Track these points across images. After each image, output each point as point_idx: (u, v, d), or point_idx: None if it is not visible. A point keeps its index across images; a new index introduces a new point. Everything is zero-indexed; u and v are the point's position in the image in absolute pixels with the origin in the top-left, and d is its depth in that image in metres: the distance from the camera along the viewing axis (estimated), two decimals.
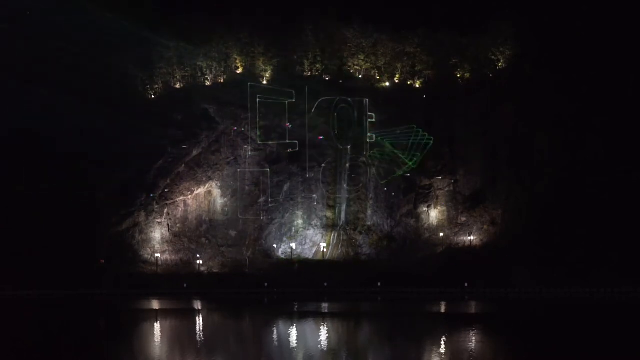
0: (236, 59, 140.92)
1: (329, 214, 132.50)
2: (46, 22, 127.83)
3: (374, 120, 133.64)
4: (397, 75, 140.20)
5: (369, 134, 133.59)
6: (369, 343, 53.01)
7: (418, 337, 55.16)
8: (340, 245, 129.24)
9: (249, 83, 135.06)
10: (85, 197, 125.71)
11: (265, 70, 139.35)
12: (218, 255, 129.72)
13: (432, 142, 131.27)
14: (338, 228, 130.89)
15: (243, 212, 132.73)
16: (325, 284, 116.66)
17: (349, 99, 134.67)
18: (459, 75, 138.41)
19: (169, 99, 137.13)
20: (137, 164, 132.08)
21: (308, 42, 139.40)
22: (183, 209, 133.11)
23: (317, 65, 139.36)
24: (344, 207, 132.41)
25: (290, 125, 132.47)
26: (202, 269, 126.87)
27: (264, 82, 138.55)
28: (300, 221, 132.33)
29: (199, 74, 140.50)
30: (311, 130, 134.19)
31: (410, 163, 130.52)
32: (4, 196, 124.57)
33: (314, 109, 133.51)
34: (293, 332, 58.44)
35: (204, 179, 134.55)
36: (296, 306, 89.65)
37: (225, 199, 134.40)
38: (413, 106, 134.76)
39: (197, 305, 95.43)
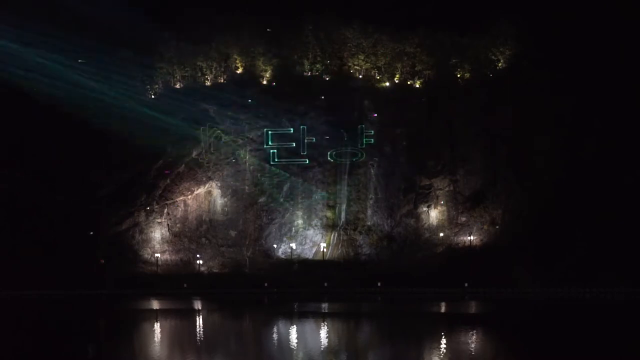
0: (236, 59, 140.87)
1: (329, 214, 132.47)
2: (44, 21, 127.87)
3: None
4: (397, 75, 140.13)
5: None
6: (369, 343, 53.02)
7: (418, 337, 55.16)
8: (340, 245, 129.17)
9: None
10: (85, 197, 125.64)
11: (265, 70, 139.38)
12: (218, 255, 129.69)
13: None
14: (338, 228, 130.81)
15: (243, 212, 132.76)
16: (325, 284, 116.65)
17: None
18: (459, 75, 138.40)
19: (169, 99, 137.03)
20: (137, 164, 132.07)
21: (308, 42, 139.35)
22: (183, 209, 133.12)
23: (317, 65, 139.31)
24: (344, 207, 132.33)
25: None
26: (202, 269, 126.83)
27: (264, 82, 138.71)
28: (300, 221, 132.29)
29: (199, 74, 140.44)
30: (311, 130, 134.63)
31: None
32: (4, 196, 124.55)
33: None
34: (293, 332, 58.43)
35: (204, 179, 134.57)
36: (296, 306, 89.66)
37: (225, 199, 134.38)
38: (413, 106, 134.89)
39: (197, 305, 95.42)
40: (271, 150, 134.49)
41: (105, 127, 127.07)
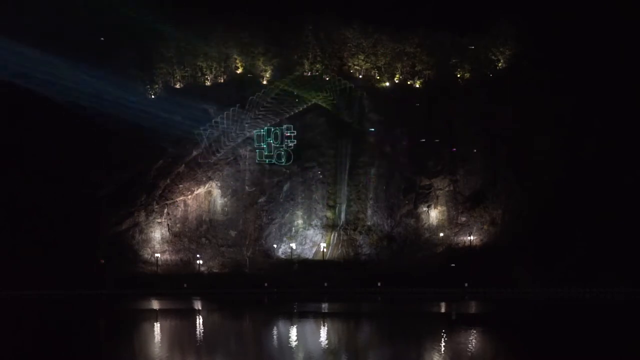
0: (236, 59, 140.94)
1: (329, 214, 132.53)
2: (43, 20, 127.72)
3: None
4: (397, 75, 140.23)
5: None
6: (369, 343, 53.04)
7: (418, 337, 55.17)
8: (340, 245, 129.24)
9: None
10: (85, 197, 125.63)
11: (265, 70, 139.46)
12: (218, 255, 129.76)
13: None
14: (338, 228, 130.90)
15: (243, 212, 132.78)
16: (325, 284, 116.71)
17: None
18: (459, 75, 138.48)
19: (169, 99, 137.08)
20: (137, 164, 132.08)
21: (308, 42, 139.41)
22: (183, 209, 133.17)
23: (317, 65, 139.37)
24: (344, 207, 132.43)
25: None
26: (202, 269, 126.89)
27: (264, 82, 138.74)
28: (300, 221, 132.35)
29: (199, 74, 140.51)
30: (311, 130, 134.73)
31: None
32: (4, 196, 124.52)
33: None
34: (293, 332, 58.43)
35: (204, 179, 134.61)
36: (296, 306, 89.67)
37: (225, 199, 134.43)
38: (413, 106, 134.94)
39: (197, 305, 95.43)
40: (257, 150, 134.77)
41: (105, 127, 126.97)
